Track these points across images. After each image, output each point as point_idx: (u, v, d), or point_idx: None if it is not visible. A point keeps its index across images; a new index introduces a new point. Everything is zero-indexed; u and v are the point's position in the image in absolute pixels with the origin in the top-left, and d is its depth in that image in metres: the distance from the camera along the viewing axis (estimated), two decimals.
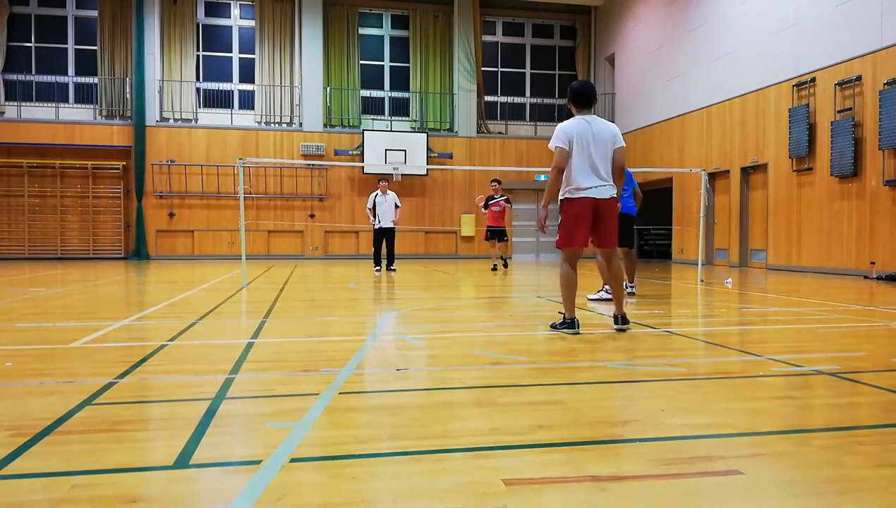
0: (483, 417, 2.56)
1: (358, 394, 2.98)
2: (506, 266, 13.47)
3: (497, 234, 12.84)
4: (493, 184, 13.01)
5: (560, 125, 4.66)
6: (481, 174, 20.26)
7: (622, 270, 4.92)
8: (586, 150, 4.53)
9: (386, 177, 12.29)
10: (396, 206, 11.95)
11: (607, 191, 4.56)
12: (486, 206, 12.86)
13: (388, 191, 11.91)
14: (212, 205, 19.36)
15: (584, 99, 4.68)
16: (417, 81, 20.88)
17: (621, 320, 4.71)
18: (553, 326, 4.81)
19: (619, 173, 4.69)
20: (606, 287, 6.84)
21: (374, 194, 11.94)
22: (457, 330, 5.02)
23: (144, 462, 2.07)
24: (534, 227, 21.57)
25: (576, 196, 4.55)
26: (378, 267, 12.32)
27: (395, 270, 12.47)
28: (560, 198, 4.65)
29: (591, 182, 4.52)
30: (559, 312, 5.28)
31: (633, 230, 7.37)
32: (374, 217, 11.89)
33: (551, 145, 4.63)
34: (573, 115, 4.73)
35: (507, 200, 12.91)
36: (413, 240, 20.39)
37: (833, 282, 10.14)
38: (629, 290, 7.50)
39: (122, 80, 19.08)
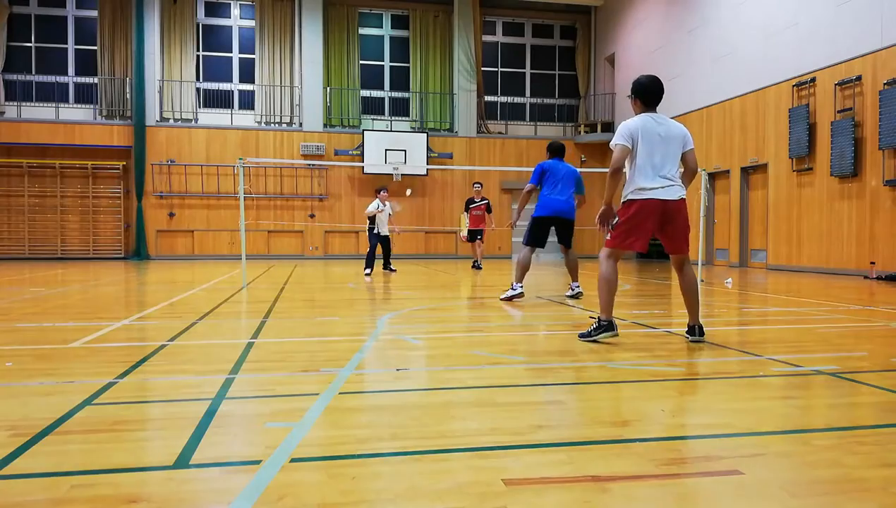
0: (483, 417, 2.55)
1: (358, 394, 2.98)
2: (478, 267, 13.39)
3: (476, 235, 13.33)
4: (475, 186, 13.50)
5: (624, 122, 4.29)
6: (481, 174, 20.26)
7: (695, 278, 4.46)
8: (653, 150, 4.16)
9: (385, 188, 12.37)
10: (390, 215, 12.13)
11: (675, 191, 4.16)
12: (466, 209, 13.41)
13: (387, 202, 12.04)
14: (212, 205, 19.36)
15: (652, 96, 4.33)
16: (417, 81, 20.88)
17: (698, 331, 4.28)
18: (585, 335, 4.34)
19: (690, 177, 4.35)
20: (516, 287, 6.95)
21: (377, 203, 11.84)
22: (457, 330, 5.02)
23: (144, 462, 2.07)
24: None
25: (640, 197, 4.16)
26: (370, 271, 12.12)
27: (395, 270, 12.46)
28: (623, 198, 4.30)
29: (658, 183, 4.14)
30: (590, 316, 5.19)
31: (573, 231, 7.47)
32: (374, 224, 11.87)
33: (613, 143, 4.26)
34: (635, 113, 4.38)
35: (487, 205, 13.28)
36: (413, 240, 20.38)
37: (833, 282, 10.14)
38: (575, 292, 7.30)
39: (122, 80, 19.08)
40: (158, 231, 19.13)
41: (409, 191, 15.78)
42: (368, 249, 11.95)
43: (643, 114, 4.32)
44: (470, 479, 1.90)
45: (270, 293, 8.09)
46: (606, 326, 4.26)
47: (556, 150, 7.34)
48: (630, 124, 4.24)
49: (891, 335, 4.81)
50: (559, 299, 7.50)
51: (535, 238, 7.13)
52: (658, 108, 4.40)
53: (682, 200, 4.22)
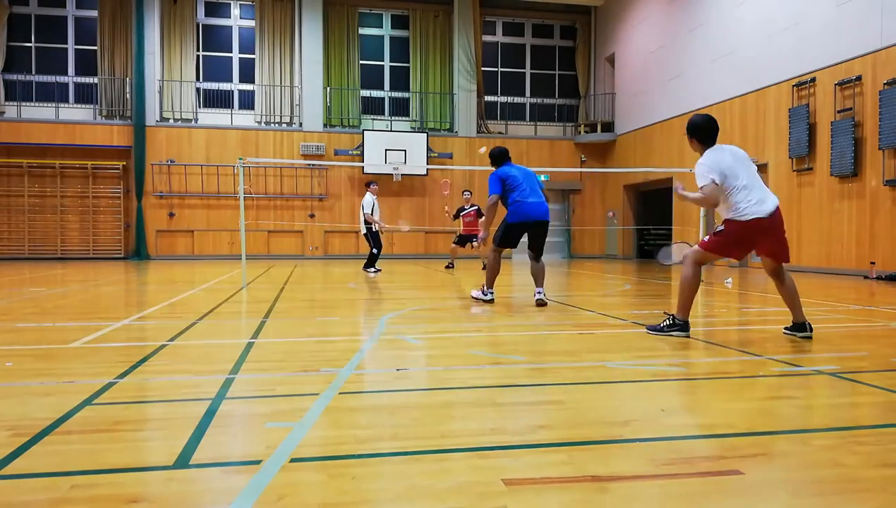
0: (483, 417, 2.55)
1: (358, 394, 2.98)
2: (485, 267, 13.37)
3: (466, 240, 13.39)
4: (465, 194, 13.78)
5: (700, 162, 4.44)
6: (481, 174, 20.26)
7: (793, 281, 4.60)
8: (741, 174, 4.33)
9: (375, 181, 12.31)
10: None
11: (772, 203, 4.33)
12: (456, 216, 13.58)
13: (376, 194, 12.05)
14: (212, 205, 19.36)
15: (710, 136, 4.56)
16: (417, 81, 20.88)
17: (809, 327, 4.46)
18: (655, 328, 4.64)
19: None
20: (488, 293, 6.82)
21: (373, 198, 11.79)
22: (457, 330, 5.02)
23: (144, 462, 2.07)
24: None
25: (745, 218, 4.30)
26: (372, 269, 12.16)
27: (380, 270, 12.39)
28: (727, 218, 4.42)
29: (755, 201, 4.30)
30: (664, 312, 5.25)
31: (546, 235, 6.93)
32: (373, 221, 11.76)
33: (701, 184, 4.36)
34: (701, 150, 4.56)
35: (478, 211, 13.33)
36: (413, 240, 20.39)
37: (833, 282, 10.13)
38: (539, 297, 6.61)
39: (121, 80, 19.08)
40: (158, 231, 19.13)
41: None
42: (374, 248, 11.87)
43: (711, 149, 4.51)
44: (470, 479, 1.90)
45: (270, 293, 8.09)
46: (681, 325, 4.52)
47: (503, 156, 6.98)
48: (708, 162, 4.39)
49: (891, 335, 4.81)
50: (559, 299, 7.50)
51: (508, 240, 6.73)
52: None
53: (778, 210, 4.37)
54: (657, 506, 1.74)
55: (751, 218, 4.27)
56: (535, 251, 6.75)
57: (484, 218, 6.97)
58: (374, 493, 1.81)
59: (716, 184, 4.30)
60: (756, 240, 4.40)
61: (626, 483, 1.87)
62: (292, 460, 2.04)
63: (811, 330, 4.48)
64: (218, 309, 6.35)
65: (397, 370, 3.47)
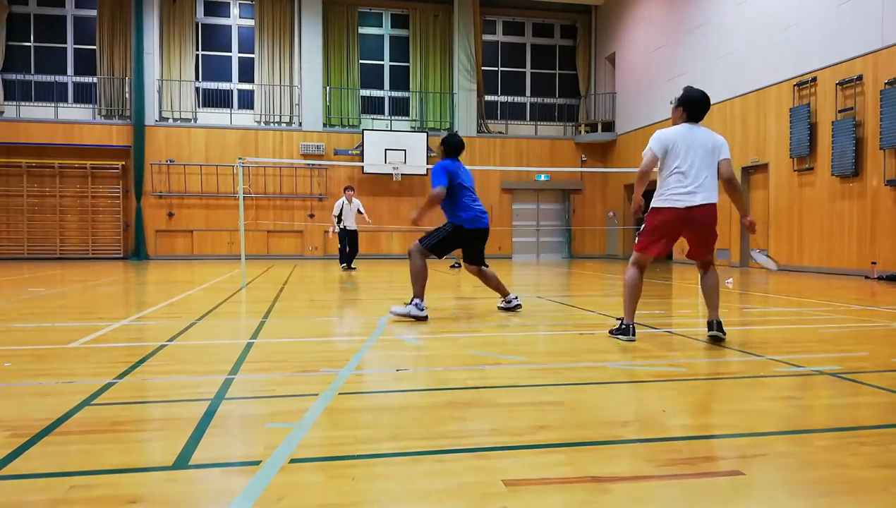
0: (483, 417, 2.55)
1: (358, 395, 2.97)
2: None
3: None
4: None
5: (659, 130, 4.37)
6: (481, 174, 20.25)
7: (716, 279, 4.44)
8: (684, 157, 4.20)
9: (352, 186, 13.51)
10: (360, 212, 13.14)
11: (700, 198, 4.17)
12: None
13: (353, 199, 13.16)
14: (211, 205, 19.35)
15: (694, 112, 4.33)
16: (417, 81, 20.87)
17: (717, 326, 4.22)
18: (611, 331, 4.58)
19: (725, 185, 4.32)
20: (420, 304, 5.48)
21: (340, 201, 13.08)
22: (457, 331, 5.02)
23: (144, 462, 2.07)
24: (533, 227, 21.57)
25: (664, 205, 4.25)
26: (344, 264, 13.23)
27: (355, 268, 13.32)
28: (651, 205, 4.37)
29: (683, 190, 4.21)
30: (616, 318, 4.99)
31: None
32: (339, 222, 13.04)
33: (646, 149, 4.30)
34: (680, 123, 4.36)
35: None
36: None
37: (834, 282, 10.13)
38: (517, 302, 6.17)
39: (121, 80, 19.07)
40: (157, 231, 19.12)
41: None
42: (340, 243, 13.23)
43: (683, 124, 4.34)
44: (470, 480, 1.90)
45: (270, 293, 8.08)
46: (624, 329, 4.41)
47: (459, 148, 5.90)
48: (661, 134, 4.30)
49: (892, 335, 4.80)
50: (559, 299, 7.50)
51: (444, 248, 5.81)
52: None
53: (709, 205, 4.18)
54: (657, 507, 1.73)
55: (667, 206, 4.20)
56: (478, 262, 6.07)
57: (422, 206, 5.86)
58: (374, 494, 1.81)
59: (654, 155, 4.22)
60: (679, 230, 4.26)
61: (626, 484, 1.87)
62: (292, 461, 2.04)
63: (720, 329, 4.21)
64: (217, 309, 6.35)
65: (397, 370, 3.47)
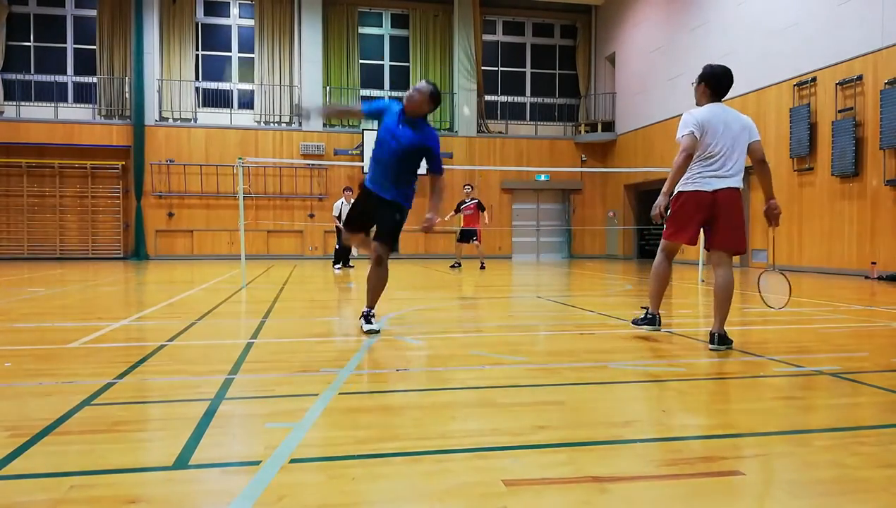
0: (483, 417, 2.55)
1: (358, 395, 2.97)
2: (482, 267, 13.55)
3: (468, 235, 13.79)
4: (465, 188, 14.18)
5: (688, 112, 4.21)
6: (481, 174, 20.25)
7: (732, 284, 4.12)
8: (720, 141, 4.04)
9: (350, 187, 13.32)
10: None
11: (728, 182, 4.05)
12: (457, 210, 13.98)
13: (352, 199, 12.87)
14: (211, 205, 19.35)
15: (720, 89, 4.23)
16: (417, 81, 20.74)
17: (719, 339, 3.98)
18: (634, 321, 4.51)
19: (758, 169, 4.18)
20: (369, 315, 4.77)
21: (339, 202, 13.07)
22: (457, 330, 5.01)
23: (144, 462, 2.07)
24: (533, 227, 21.57)
25: (689, 189, 4.13)
26: (338, 266, 13.20)
27: (353, 267, 13.45)
28: (677, 189, 4.22)
29: (714, 174, 4.07)
30: (641, 306, 4.80)
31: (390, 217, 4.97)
32: (340, 221, 12.93)
33: (680, 134, 4.10)
34: (705, 102, 4.23)
35: (478, 204, 13.81)
36: (413, 240, 20.37)
37: (834, 282, 10.13)
38: (369, 328, 4.70)
39: (121, 80, 19.06)
40: (157, 231, 19.11)
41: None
42: (337, 244, 13.13)
43: (711, 103, 4.19)
44: (470, 480, 1.90)
45: (270, 293, 8.08)
46: (650, 319, 4.38)
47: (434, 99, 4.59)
48: (696, 113, 4.11)
49: (892, 335, 4.80)
50: (559, 299, 7.49)
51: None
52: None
53: (736, 190, 4.03)
54: (657, 507, 1.73)
55: (692, 189, 4.06)
56: (376, 236, 4.95)
57: (436, 197, 5.01)
58: (374, 494, 1.80)
59: (694, 136, 4.00)
60: (702, 217, 4.06)
61: (626, 484, 1.87)
62: (292, 461, 2.04)
63: (721, 343, 3.96)
64: (217, 309, 6.35)
65: (397, 370, 3.47)
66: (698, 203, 4.04)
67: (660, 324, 4.36)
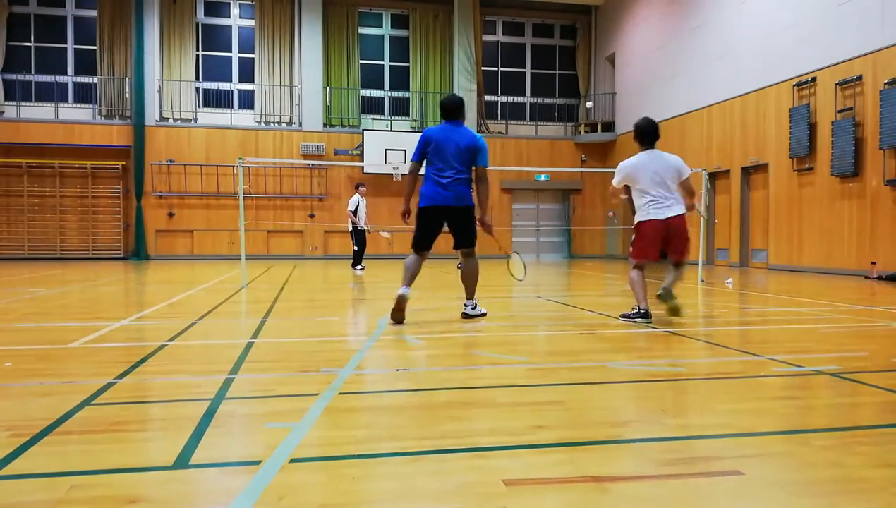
0: (483, 417, 2.55)
1: (358, 394, 2.98)
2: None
3: None
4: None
5: (623, 162, 5.53)
6: None
7: (683, 270, 5.61)
8: (641, 180, 5.36)
9: (363, 183, 12.99)
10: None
11: (674, 212, 5.30)
12: None
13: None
14: (211, 205, 19.35)
15: (645, 140, 5.42)
16: (417, 81, 20.87)
17: (671, 295, 5.22)
18: (624, 315, 5.39)
19: (689, 195, 5.50)
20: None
21: (356, 198, 12.53)
22: (457, 330, 5.02)
23: (144, 462, 2.07)
24: (533, 227, 21.60)
25: (643, 219, 5.38)
26: (360, 267, 12.75)
27: (364, 268, 12.99)
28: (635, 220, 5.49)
29: (656, 206, 5.34)
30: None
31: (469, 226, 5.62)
32: (362, 220, 12.52)
33: (613, 181, 5.57)
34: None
35: None
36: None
37: (834, 282, 10.13)
38: (473, 313, 5.51)
39: (121, 80, 19.07)
40: (158, 231, 19.12)
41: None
42: (356, 245, 12.58)
43: (641, 152, 5.39)
44: (470, 479, 1.90)
45: (270, 293, 8.08)
46: (643, 313, 5.25)
47: (448, 110, 5.40)
48: (626, 163, 5.42)
49: (891, 335, 4.81)
50: (559, 299, 7.49)
51: (418, 235, 5.40)
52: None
53: (681, 216, 5.25)
54: (657, 506, 1.73)
55: (647, 219, 5.24)
56: (457, 244, 5.53)
57: (482, 196, 5.58)
58: (374, 494, 1.81)
59: (620, 181, 5.46)
60: (660, 238, 5.24)
61: (626, 484, 1.87)
62: (292, 460, 2.04)
63: (669, 293, 5.22)
64: (217, 309, 6.35)
65: (397, 370, 3.47)
66: (655, 229, 5.22)
67: (650, 317, 5.23)
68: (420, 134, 5.76)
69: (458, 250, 5.50)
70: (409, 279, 5.24)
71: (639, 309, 5.27)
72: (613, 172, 5.70)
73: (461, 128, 5.41)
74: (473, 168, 5.42)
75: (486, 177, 5.53)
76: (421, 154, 5.34)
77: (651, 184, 5.21)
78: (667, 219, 5.17)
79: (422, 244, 5.38)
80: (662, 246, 5.28)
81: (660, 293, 5.18)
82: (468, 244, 5.43)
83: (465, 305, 5.50)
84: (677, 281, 5.39)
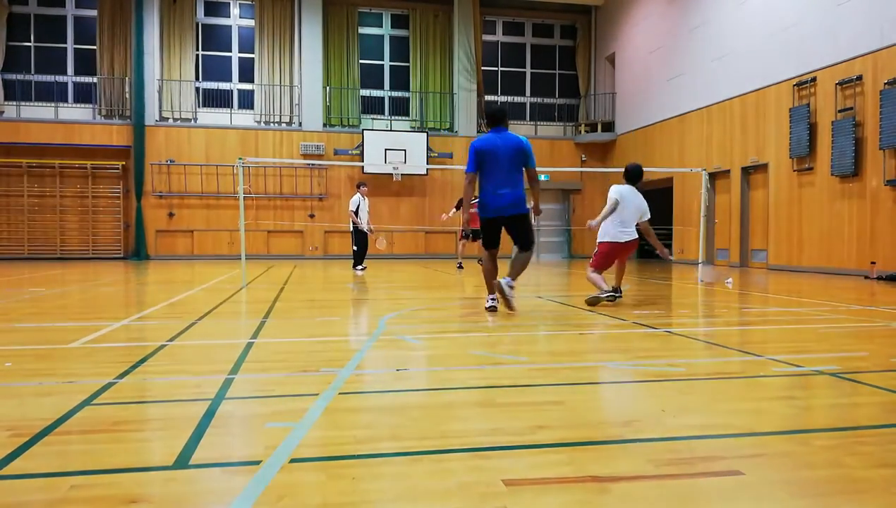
0: (483, 417, 2.55)
1: (358, 394, 2.98)
2: (464, 266, 13.65)
3: (476, 234, 13.66)
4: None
5: (614, 186, 6.91)
6: None
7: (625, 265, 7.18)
8: (624, 212, 6.80)
9: (365, 183, 12.87)
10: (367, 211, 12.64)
11: (630, 235, 6.83)
12: (458, 207, 13.56)
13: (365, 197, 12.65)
14: (211, 205, 19.36)
15: (632, 178, 6.91)
16: (417, 81, 20.87)
17: (620, 291, 6.77)
18: (589, 301, 6.43)
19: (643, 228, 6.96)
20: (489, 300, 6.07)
21: (358, 198, 12.40)
22: (457, 330, 5.02)
23: (144, 462, 2.07)
24: (534, 227, 21.57)
25: (611, 240, 6.91)
26: (361, 267, 12.67)
27: (365, 268, 12.87)
28: (599, 240, 6.94)
29: (621, 231, 6.84)
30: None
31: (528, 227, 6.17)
32: (364, 222, 12.40)
33: (608, 207, 6.72)
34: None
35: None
36: (413, 241, 20.38)
37: (834, 282, 10.13)
38: (506, 291, 5.82)
39: (121, 80, 19.07)
40: (158, 231, 19.12)
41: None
42: (358, 247, 12.48)
43: (626, 185, 6.86)
44: (470, 479, 1.90)
45: (270, 293, 8.08)
46: (612, 290, 6.54)
47: (497, 119, 5.96)
48: (619, 188, 6.78)
49: (891, 335, 4.81)
50: (559, 299, 7.50)
51: (486, 238, 6.00)
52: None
53: (635, 239, 6.77)
54: (657, 506, 1.73)
55: (610, 240, 6.72)
56: (517, 244, 6.05)
57: (536, 193, 6.21)
58: (374, 494, 1.81)
59: (616, 202, 6.72)
60: (615, 255, 6.82)
61: (626, 484, 1.87)
62: (292, 460, 2.04)
63: (621, 293, 6.77)
64: (217, 309, 6.35)
65: (397, 370, 3.47)
66: (614, 248, 6.75)
67: (620, 293, 6.73)
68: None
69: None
70: (493, 274, 5.97)
71: (602, 291, 6.43)
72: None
73: (506, 134, 6.01)
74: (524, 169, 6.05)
75: (536, 176, 6.22)
76: (476, 165, 5.87)
77: (628, 214, 6.67)
78: (625, 241, 6.70)
79: (491, 244, 6.04)
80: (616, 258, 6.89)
81: (615, 296, 6.61)
82: (528, 246, 6.05)
83: (505, 280, 5.83)
84: (621, 277, 6.97)
